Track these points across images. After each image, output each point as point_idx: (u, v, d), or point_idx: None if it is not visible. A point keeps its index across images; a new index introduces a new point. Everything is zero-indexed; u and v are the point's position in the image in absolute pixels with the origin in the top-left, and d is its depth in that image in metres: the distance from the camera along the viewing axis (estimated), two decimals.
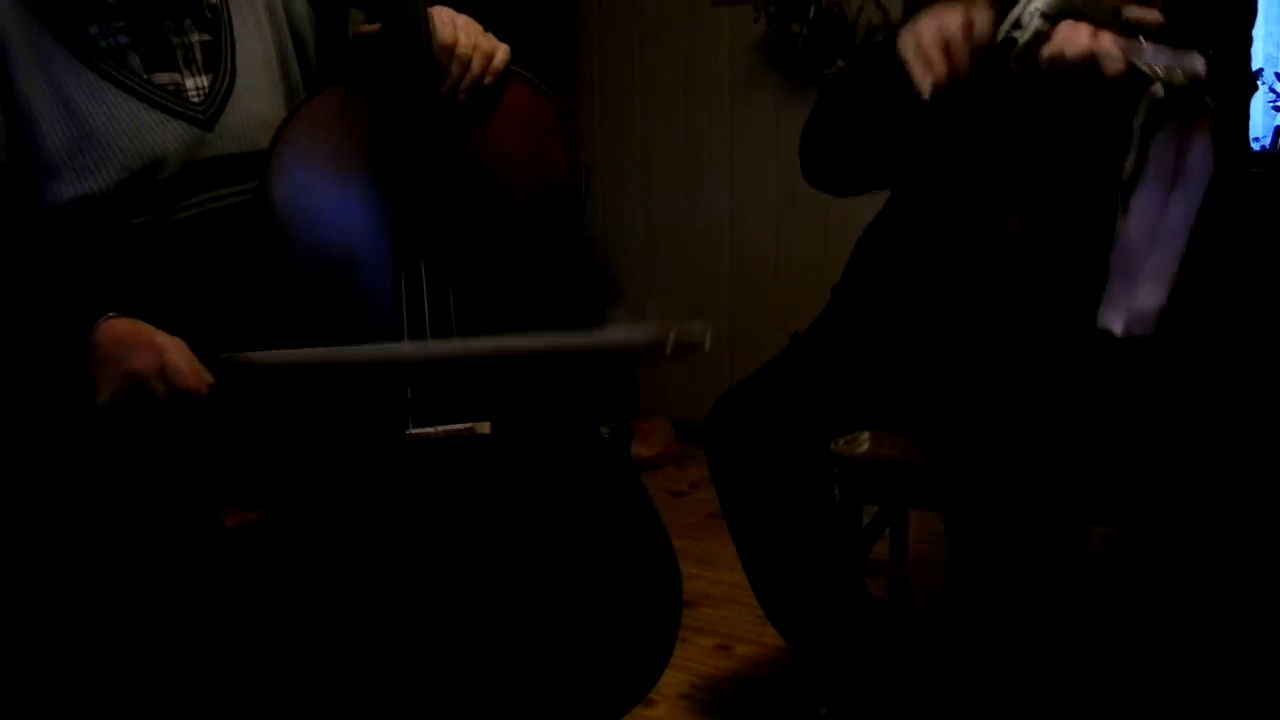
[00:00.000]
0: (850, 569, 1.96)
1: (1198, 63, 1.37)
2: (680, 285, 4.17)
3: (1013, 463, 1.64)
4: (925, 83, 1.57)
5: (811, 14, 3.63)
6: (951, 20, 1.59)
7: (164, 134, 1.62)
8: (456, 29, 1.65)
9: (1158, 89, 1.38)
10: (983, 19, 1.60)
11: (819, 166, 1.98)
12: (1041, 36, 1.58)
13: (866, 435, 1.95)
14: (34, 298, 1.55)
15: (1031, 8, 1.64)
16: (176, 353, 1.47)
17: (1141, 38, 1.43)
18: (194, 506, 1.50)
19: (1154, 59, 1.39)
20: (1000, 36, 1.67)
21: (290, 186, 1.63)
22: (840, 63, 3.62)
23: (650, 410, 4.16)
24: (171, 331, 1.49)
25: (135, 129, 1.60)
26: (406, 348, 1.59)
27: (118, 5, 1.61)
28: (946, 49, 1.58)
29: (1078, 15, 1.54)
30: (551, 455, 1.68)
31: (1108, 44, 1.45)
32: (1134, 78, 1.42)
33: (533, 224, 1.68)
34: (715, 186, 4.07)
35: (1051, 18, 1.57)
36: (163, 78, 1.64)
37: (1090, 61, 1.45)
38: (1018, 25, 1.66)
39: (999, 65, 1.67)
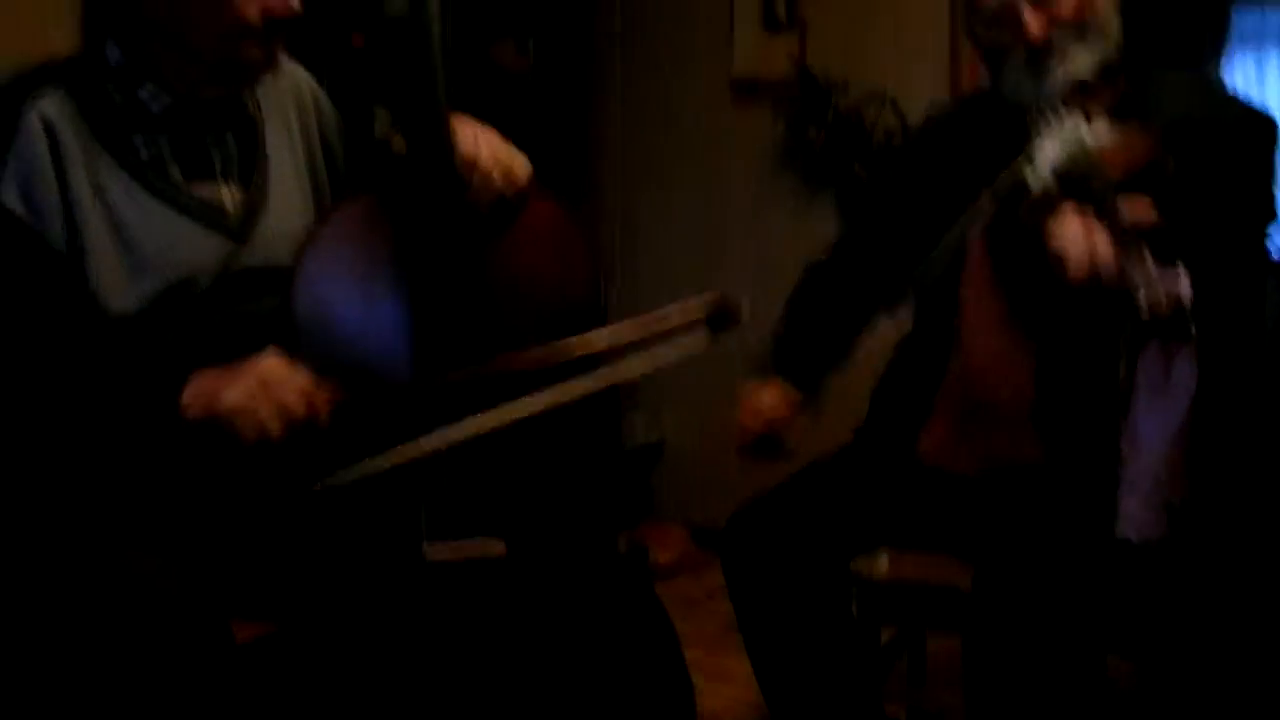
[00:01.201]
0: (868, 691, 1.92)
1: (1183, 286, 1.41)
2: (693, 385, 4.15)
3: (1032, 589, 1.62)
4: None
5: (829, 118, 3.66)
6: (758, 416, 2.04)
7: (201, 246, 1.62)
8: (479, 142, 1.66)
9: (1144, 308, 1.43)
10: (781, 426, 2.02)
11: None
12: (1049, 198, 1.64)
13: (885, 555, 1.92)
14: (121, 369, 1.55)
15: (1044, 158, 1.69)
16: (286, 360, 1.52)
17: (1135, 243, 1.48)
18: (207, 621, 1.48)
19: (1142, 276, 1.44)
20: (1006, 173, 1.70)
21: (313, 299, 1.62)
22: (858, 167, 3.65)
23: (666, 515, 4.12)
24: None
25: (174, 241, 1.60)
26: (461, 428, 1.56)
27: (162, 115, 1.63)
28: (744, 437, 2.05)
29: (1084, 179, 1.60)
30: (566, 572, 1.65)
31: (1103, 250, 1.50)
32: (1125, 288, 1.47)
33: (551, 338, 1.66)
34: (731, 285, 4.03)
35: (1061, 177, 1.65)
36: (202, 190, 1.65)
37: (1086, 269, 1.52)
38: (1031, 163, 1.69)
39: (1013, 204, 1.70)
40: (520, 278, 1.68)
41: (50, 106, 1.56)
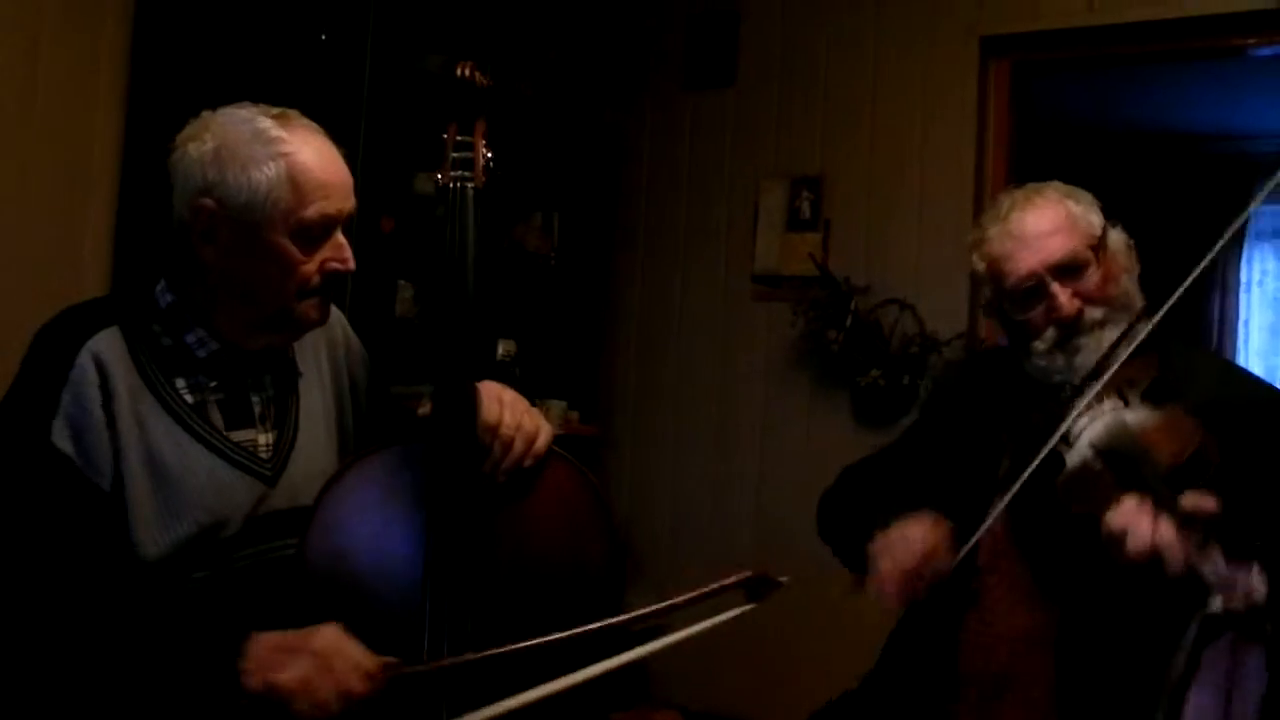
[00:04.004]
0: None
1: (1258, 586, 1.36)
2: (702, 571, 4.10)
3: None
4: (882, 601, 1.81)
5: (848, 322, 3.69)
6: (911, 553, 1.78)
7: (236, 491, 1.63)
8: (503, 406, 1.66)
9: (1216, 604, 1.37)
10: (942, 559, 1.78)
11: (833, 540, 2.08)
12: (1091, 472, 1.60)
13: None
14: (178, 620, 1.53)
15: (1080, 430, 1.67)
16: (344, 635, 1.49)
17: (1203, 535, 1.43)
18: None
19: (1215, 571, 1.38)
20: (1048, 447, 1.69)
21: (327, 550, 1.61)
22: (875, 372, 3.66)
23: (661, 699, 4.06)
24: None
25: (212, 485, 1.61)
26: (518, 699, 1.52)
27: (207, 360, 1.65)
28: (904, 580, 1.78)
29: (1131, 461, 1.57)
30: None
31: (1169, 539, 1.46)
32: (1193, 580, 1.42)
33: (566, 604, 1.65)
34: (744, 474, 4.07)
35: (1103, 453, 1.62)
36: (240, 434, 1.67)
37: (1150, 555, 1.47)
38: (1065, 440, 1.68)
39: (1046, 481, 1.68)
40: (535, 543, 1.67)
41: (103, 344, 1.58)
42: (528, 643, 1.53)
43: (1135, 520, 1.51)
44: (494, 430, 1.64)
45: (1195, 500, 1.49)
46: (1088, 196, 1.93)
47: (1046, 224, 1.87)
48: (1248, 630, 1.38)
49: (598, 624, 1.57)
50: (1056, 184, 1.95)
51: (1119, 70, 4.70)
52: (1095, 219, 1.90)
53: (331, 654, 1.46)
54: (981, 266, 1.95)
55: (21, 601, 1.52)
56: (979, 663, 1.86)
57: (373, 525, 1.63)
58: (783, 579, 1.59)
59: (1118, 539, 1.52)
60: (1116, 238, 1.91)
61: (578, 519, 1.70)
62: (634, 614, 1.59)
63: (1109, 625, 1.75)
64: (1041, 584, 1.83)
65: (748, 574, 1.60)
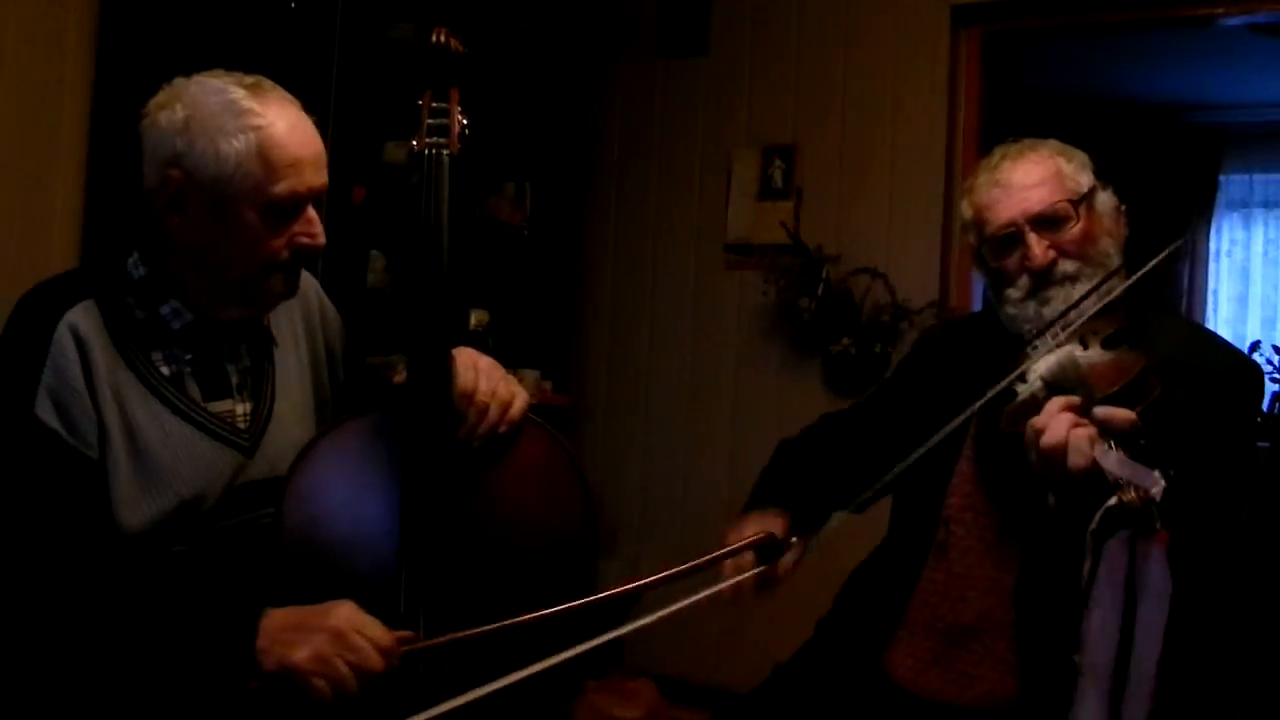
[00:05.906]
0: None
1: (1155, 484, 1.39)
2: (675, 540, 4.14)
3: None
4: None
5: (820, 291, 3.70)
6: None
7: (215, 462, 1.63)
8: (478, 373, 1.66)
9: (1112, 500, 1.40)
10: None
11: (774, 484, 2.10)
12: (1035, 401, 1.65)
13: None
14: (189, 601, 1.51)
15: (1035, 370, 1.72)
16: (359, 611, 1.48)
17: (1112, 442, 1.47)
18: None
19: (1116, 469, 1.42)
20: (1003, 384, 1.74)
21: (303, 516, 1.61)
22: (846, 340, 3.68)
23: (636, 667, 4.08)
24: None
25: (190, 458, 1.61)
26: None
27: (182, 331, 1.63)
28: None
29: (1073, 389, 1.60)
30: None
31: (1081, 438, 1.50)
32: (1096, 478, 1.45)
33: (540, 573, 1.66)
34: (716, 444, 4.09)
35: (1051, 385, 1.66)
36: (217, 406, 1.66)
37: (1060, 451, 1.51)
38: (1022, 379, 1.73)
39: (995, 414, 1.71)
40: (510, 511, 1.67)
41: (79, 317, 1.57)
42: (542, 612, 1.52)
43: (1051, 422, 1.55)
44: (469, 397, 1.65)
45: (1110, 410, 1.52)
46: (1082, 156, 1.95)
47: (1032, 176, 1.89)
48: (1142, 526, 1.40)
49: (611, 591, 1.57)
50: (1053, 141, 1.97)
51: (1092, 40, 4.72)
52: (1084, 178, 1.91)
53: (347, 630, 1.45)
54: (969, 214, 1.98)
55: (22, 586, 1.49)
56: (945, 613, 1.88)
57: (348, 492, 1.64)
58: (794, 539, 1.62)
59: (1034, 440, 1.56)
60: (1106, 200, 1.93)
61: (553, 485, 1.71)
62: (644, 581, 1.60)
63: (1066, 575, 1.77)
64: (1007, 534, 1.85)
65: (759, 536, 1.63)
